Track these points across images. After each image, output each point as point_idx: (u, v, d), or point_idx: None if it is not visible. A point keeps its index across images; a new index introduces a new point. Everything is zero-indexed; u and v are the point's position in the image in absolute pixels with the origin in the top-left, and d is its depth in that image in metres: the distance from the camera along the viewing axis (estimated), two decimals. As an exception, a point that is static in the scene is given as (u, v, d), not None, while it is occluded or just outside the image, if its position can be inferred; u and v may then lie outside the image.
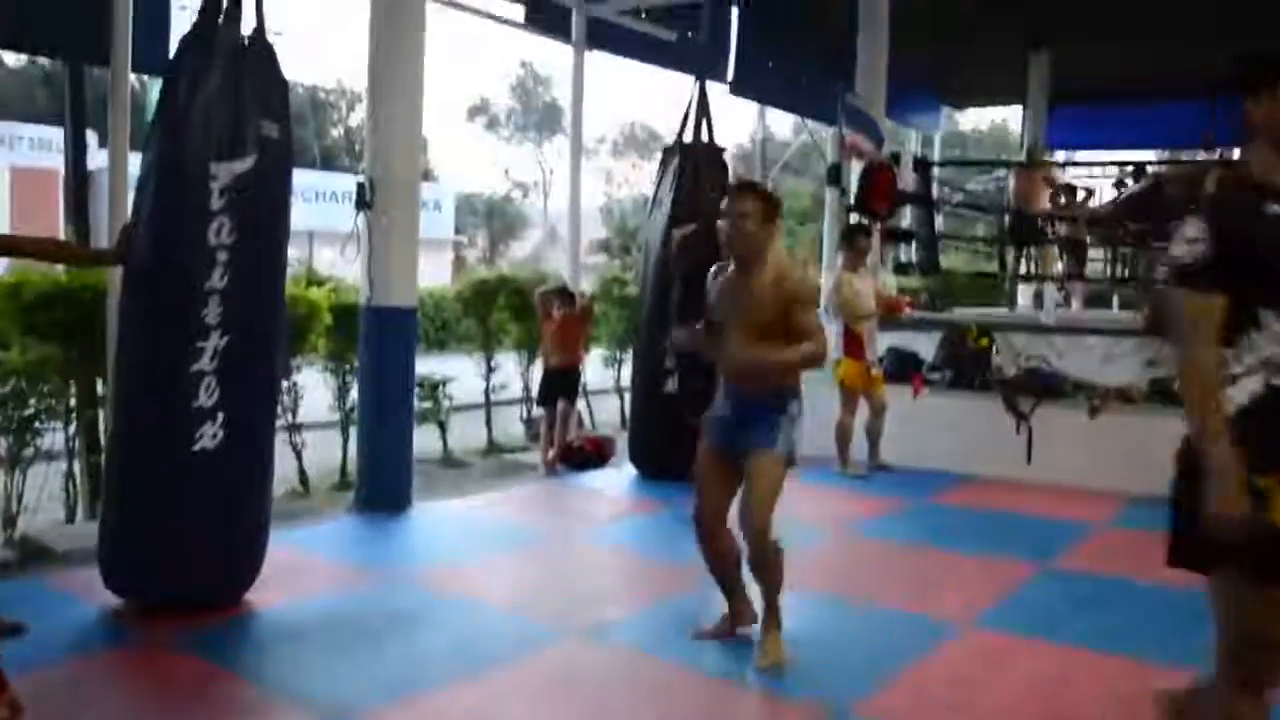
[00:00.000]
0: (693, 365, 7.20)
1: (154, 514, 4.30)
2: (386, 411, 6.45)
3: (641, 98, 60.10)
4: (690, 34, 9.57)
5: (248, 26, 4.49)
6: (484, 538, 6.02)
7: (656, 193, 7.66)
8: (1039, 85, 14.83)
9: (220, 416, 4.30)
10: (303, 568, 5.13)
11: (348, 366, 7.88)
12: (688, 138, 7.64)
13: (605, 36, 9.56)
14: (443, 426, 9.33)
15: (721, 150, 7.72)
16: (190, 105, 4.31)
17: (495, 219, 41.03)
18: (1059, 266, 11.13)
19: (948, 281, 13.53)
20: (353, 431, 7.68)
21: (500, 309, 10.19)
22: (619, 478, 7.80)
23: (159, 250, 4.29)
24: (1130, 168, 11.70)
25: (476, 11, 8.60)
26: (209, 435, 4.29)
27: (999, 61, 14.91)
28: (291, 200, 4.64)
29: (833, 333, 7.02)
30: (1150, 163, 11.11)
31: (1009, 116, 29.74)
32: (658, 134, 43.25)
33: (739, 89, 11.38)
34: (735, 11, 11.04)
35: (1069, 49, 14.22)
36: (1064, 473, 7.32)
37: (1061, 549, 5.79)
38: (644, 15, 9.54)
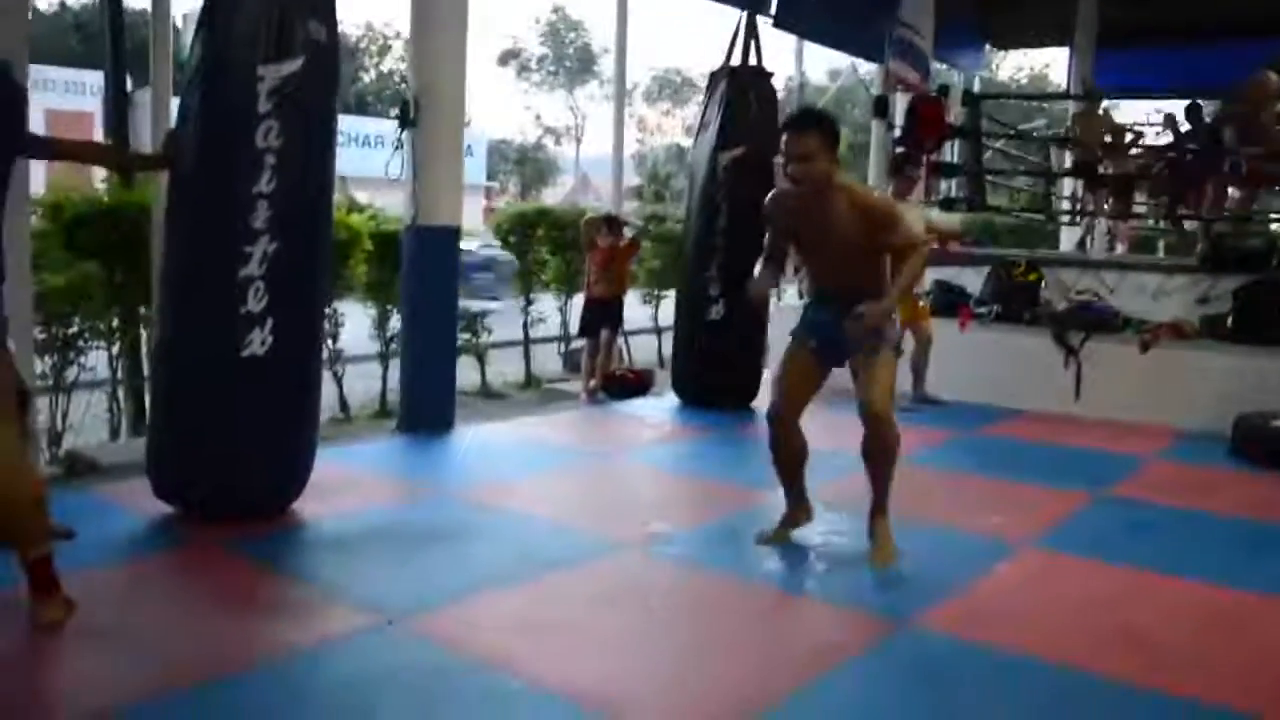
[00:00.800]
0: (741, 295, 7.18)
1: (202, 420, 4.26)
2: (430, 331, 6.40)
3: (675, 43, 59.28)
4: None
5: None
6: (530, 457, 5.99)
7: (704, 117, 7.52)
8: (1086, 25, 14.40)
9: (269, 322, 4.24)
10: (349, 483, 5.10)
11: (387, 297, 7.86)
12: (735, 62, 7.46)
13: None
14: (481, 359, 9.33)
15: (770, 75, 7.54)
16: (235, 7, 4.22)
17: (527, 165, 40.82)
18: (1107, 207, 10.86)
19: (992, 222, 13.32)
20: (393, 363, 7.69)
21: (539, 242, 10.13)
22: (662, 405, 7.74)
23: (206, 154, 4.22)
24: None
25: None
26: (258, 341, 4.24)
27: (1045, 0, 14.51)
28: (338, 105, 4.55)
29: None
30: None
31: (1050, 62, 29.11)
32: (691, 80, 42.80)
33: (782, 22, 11.11)
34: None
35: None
36: (1113, 408, 7.17)
37: (1114, 479, 5.68)
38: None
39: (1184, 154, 10.00)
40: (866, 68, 13.37)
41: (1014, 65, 39.44)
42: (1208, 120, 10.11)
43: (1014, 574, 4.11)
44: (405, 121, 6.17)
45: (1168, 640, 3.41)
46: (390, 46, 36.09)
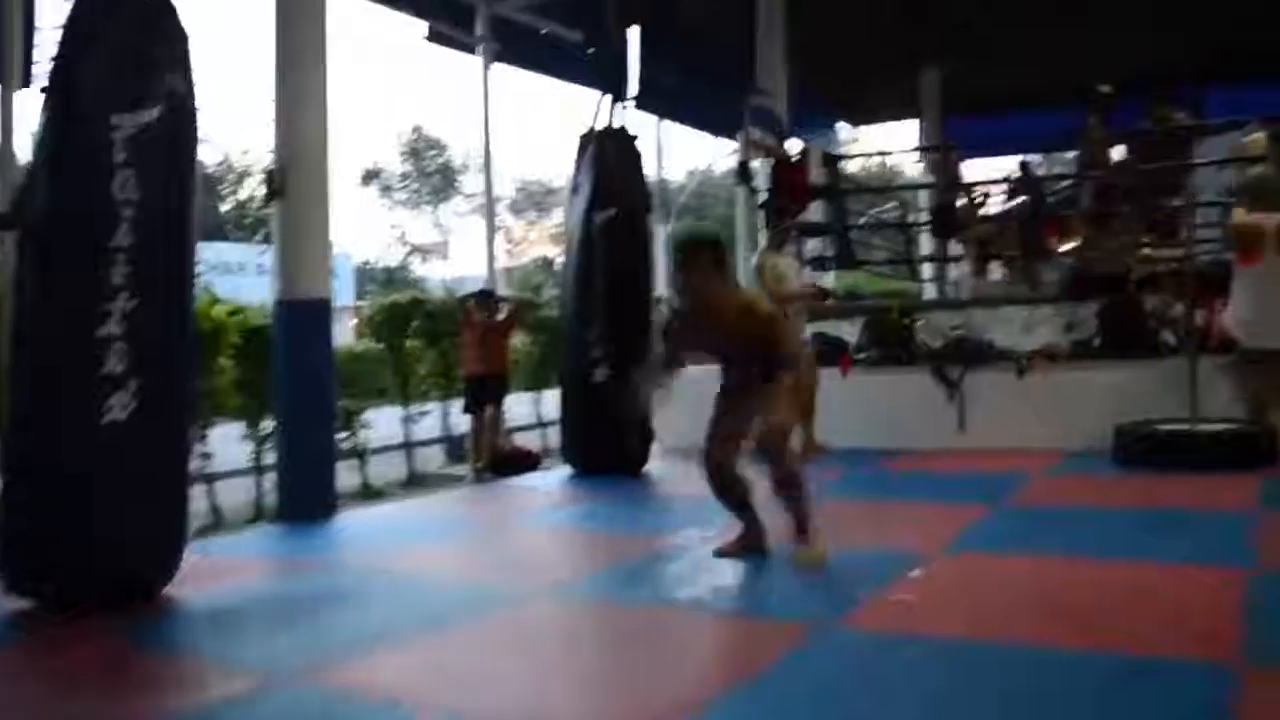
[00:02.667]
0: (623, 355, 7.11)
1: (60, 496, 3.92)
2: (306, 408, 6.10)
3: (537, 155, 60.36)
4: (593, 45, 9.52)
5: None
6: (421, 529, 5.73)
7: (575, 181, 7.53)
8: (931, 98, 15.24)
9: (131, 385, 3.96)
10: (226, 568, 4.76)
11: (259, 399, 7.48)
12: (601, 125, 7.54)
13: (510, 49, 9.43)
14: (361, 458, 8.96)
15: (635, 136, 7.64)
16: (89, 55, 4.04)
17: (394, 284, 40.44)
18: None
19: (857, 287, 13.72)
20: (266, 475, 7.31)
21: (414, 335, 9.90)
22: (553, 477, 7.55)
23: (58, 206, 3.97)
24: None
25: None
26: (119, 406, 3.95)
27: (893, 77, 15.33)
28: (199, 155, 4.37)
29: None
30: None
31: (895, 161, 30.54)
32: (554, 190, 43.41)
33: (643, 104, 11.38)
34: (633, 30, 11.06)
35: (959, 61, 14.70)
36: (997, 437, 7.29)
37: (1009, 493, 5.74)
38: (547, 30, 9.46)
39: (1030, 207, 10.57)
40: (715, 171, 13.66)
41: (861, 160, 41.34)
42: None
43: (930, 576, 4.04)
44: (272, 192, 5.99)
45: (1087, 608, 3.40)
46: (249, 174, 35.67)
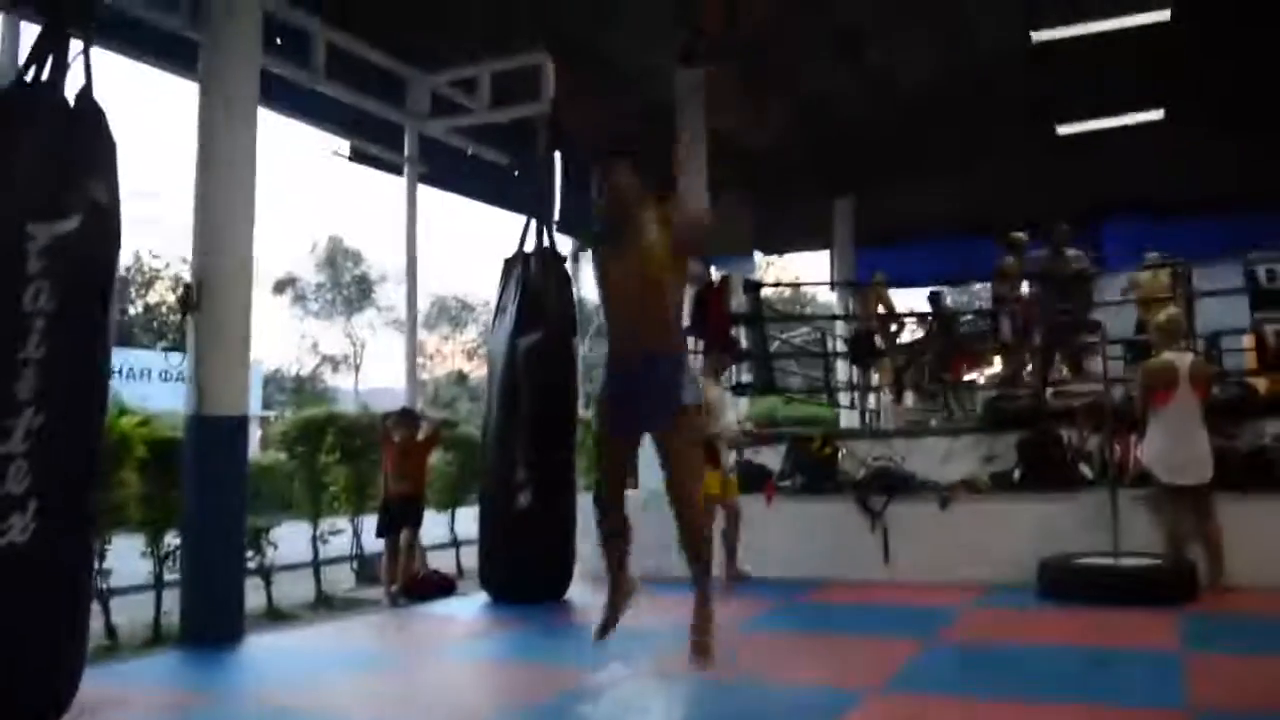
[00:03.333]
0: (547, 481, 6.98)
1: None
2: (215, 530, 5.82)
3: (453, 269, 60.43)
4: (519, 165, 9.63)
5: (75, 86, 4.16)
6: (332, 660, 5.42)
7: (500, 302, 7.45)
8: (844, 228, 15.73)
9: (31, 506, 3.72)
10: (125, 699, 4.43)
11: (164, 514, 7.12)
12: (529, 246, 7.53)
13: (436, 171, 9.44)
14: (267, 579, 8.53)
15: (564, 258, 7.63)
16: (6, 162, 3.90)
17: (304, 394, 39.66)
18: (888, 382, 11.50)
19: (775, 413, 13.80)
20: (167, 591, 6.93)
21: (327, 450, 9.60)
22: (470, 604, 7.26)
23: (-37, 316, 3.77)
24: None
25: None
26: (18, 528, 3.69)
27: (806, 208, 15.84)
28: (118, 264, 4.21)
29: None
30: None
31: (805, 290, 31.29)
32: (470, 305, 43.44)
33: (565, 228, 11.48)
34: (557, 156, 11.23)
35: (870, 194, 15.28)
36: (921, 569, 7.27)
37: (940, 627, 5.68)
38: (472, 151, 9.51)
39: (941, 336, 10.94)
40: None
41: (773, 290, 42.30)
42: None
43: (873, 715, 3.93)
44: (187, 306, 5.80)
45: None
46: (159, 277, 34.95)
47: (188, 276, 6.06)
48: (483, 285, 52.13)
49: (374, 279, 41.04)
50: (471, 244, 55.64)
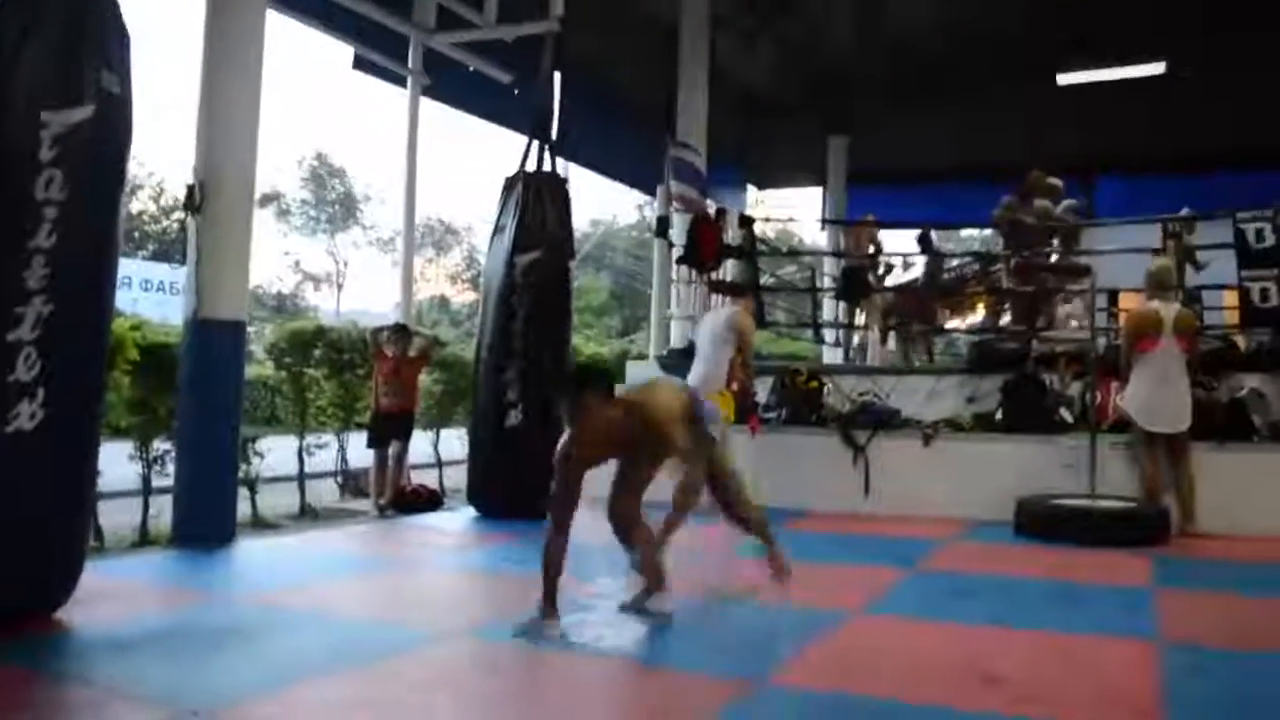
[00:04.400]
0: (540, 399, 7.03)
1: (-45, 507, 3.67)
2: (211, 434, 5.87)
3: (438, 193, 59.78)
4: (520, 84, 9.54)
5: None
6: (325, 564, 5.53)
7: (498, 222, 7.44)
8: (837, 167, 15.70)
9: (40, 394, 3.75)
10: (119, 591, 4.52)
11: (155, 419, 7.14)
12: (529, 167, 7.50)
13: (439, 85, 9.34)
14: (252, 488, 8.60)
15: (564, 180, 7.62)
16: (19, 48, 3.84)
17: (285, 313, 39.43)
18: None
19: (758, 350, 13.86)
20: (154, 494, 6.99)
21: (316, 364, 9.61)
22: (458, 518, 7.38)
23: (-27, 201, 3.76)
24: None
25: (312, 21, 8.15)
26: (26, 415, 3.73)
27: (800, 144, 15.80)
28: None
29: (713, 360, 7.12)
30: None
31: (797, 228, 31.25)
32: (454, 229, 43.11)
33: (560, 150, 11.41)
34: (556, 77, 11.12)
35: (865, 133, 15.24)
36: (901, 503, 7.42)
37: (920, 558, 5.82)
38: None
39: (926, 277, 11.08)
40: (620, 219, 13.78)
41: (763, 223, 42.15)
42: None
43: (855, 635, 4.07)
44: (190, 206, 5.78)
45: (1019, 678, 3.43)
46: (140, 187, 34.43)
47: (170, 183, 6.02)
48: (466, 210, 51.84)
49: (359, 197, 40.65)
50: (455, 168, 54.97)
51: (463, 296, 43.29)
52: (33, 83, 3.83)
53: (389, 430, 7.83)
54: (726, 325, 7.24)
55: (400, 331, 8.12)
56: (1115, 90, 13.09)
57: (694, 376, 7.12)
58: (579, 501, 4.11)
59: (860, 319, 11.37)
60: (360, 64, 8.98)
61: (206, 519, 5.85)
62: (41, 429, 3.74)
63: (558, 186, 7.48)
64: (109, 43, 4.09)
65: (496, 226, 7.48)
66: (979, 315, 12.28)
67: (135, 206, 35.00)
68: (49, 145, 3.81)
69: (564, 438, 4.06)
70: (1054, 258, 10.21)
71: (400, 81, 9.00)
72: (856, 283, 10.57)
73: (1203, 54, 12.52)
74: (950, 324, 12.28)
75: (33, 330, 3.74)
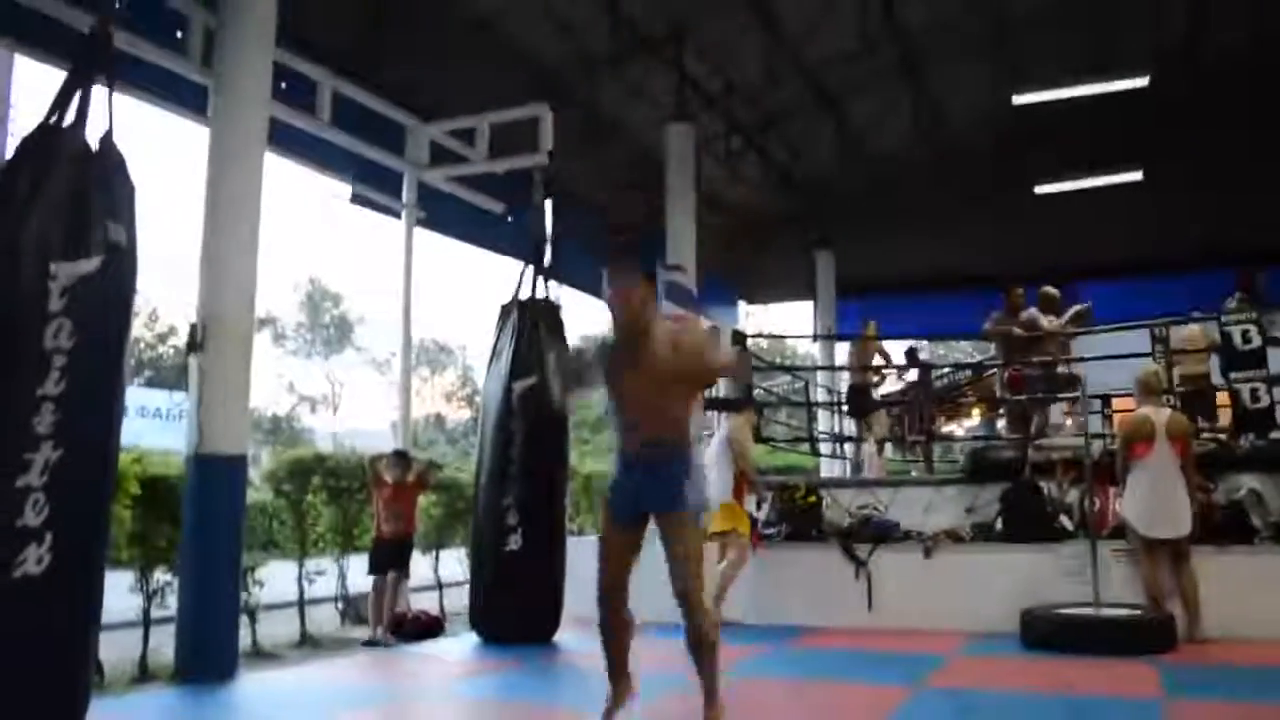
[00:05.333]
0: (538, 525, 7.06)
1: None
2: (213, 566, 5.87)
3: (433, 313, 60.43)
4: (513, 214, 9.81)
5: (97, 129, 4.29)
6: (328, 699, 5.46)
7: (495, 347, 7.57)
8: (826, 280, 16.00)
9: (48, 539, 3.79)
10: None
11: (156, 552, 7.15)
12: (524, 294, 7.67)
13: (433, 216, 9.59)
14: (252, 617, 8.53)
15: (559, 307, 7.77)
16: (30, 203, 4.01)
17: (281, 435, 39.43)
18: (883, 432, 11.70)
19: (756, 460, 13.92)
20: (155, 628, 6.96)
21: (315, 490, 9.63)
22: (461, 644, 7.31)
23: (-15, 351, 3.86)
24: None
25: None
26: (33, 560, 3.76)
27: (788, 259, 16.15)
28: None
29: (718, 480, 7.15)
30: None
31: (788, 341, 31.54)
32: (448, 348, 43.46)
33: (551, 274, 11.65)
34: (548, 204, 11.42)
35: (850, 247, 15.59)
36: (905, 616, 7.38)
37: (928, 674, 5.77)
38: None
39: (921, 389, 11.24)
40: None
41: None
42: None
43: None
44: (192, 346, 5.89)
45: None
46: (136, 313, 34.86)
47: (167, 314, 6.15)
48: (460, 329, 52.35)
49: (353, 320, 41.08)
50: (448, 289, 55.74)
51: (458, 414, 43.39)
52: (42, 235, 3.98)
53: (388, 557, 7.81)
54: (724, 441, 7.37)
55: (399, 458, 8.17)
56: (1093, 197, 13.46)
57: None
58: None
59: (866, 431, 11.46)
60: (357, 199, 9.23)
61: (208, 653, 5.81)
62: (48, 574, 3.77)
63: (553, 313, 7.63)
64: (116, 195, 4.25)
65: (494, 352, 7.61)
66: (975, 420, 12.39)
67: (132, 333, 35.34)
68: (58, 295, 3.94)
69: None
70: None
71: (396, 214, 9.24)
72: (864, 400, 10.76)
73: (1179, 159, 12.94)
74: (946, 429, 12.41)
75: (41, 476, 3.81)
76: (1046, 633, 6.39)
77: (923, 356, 13.95)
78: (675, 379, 3.93)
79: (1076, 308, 10.10)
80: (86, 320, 3.99)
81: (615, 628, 4.07)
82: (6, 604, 3.69)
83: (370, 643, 7.67)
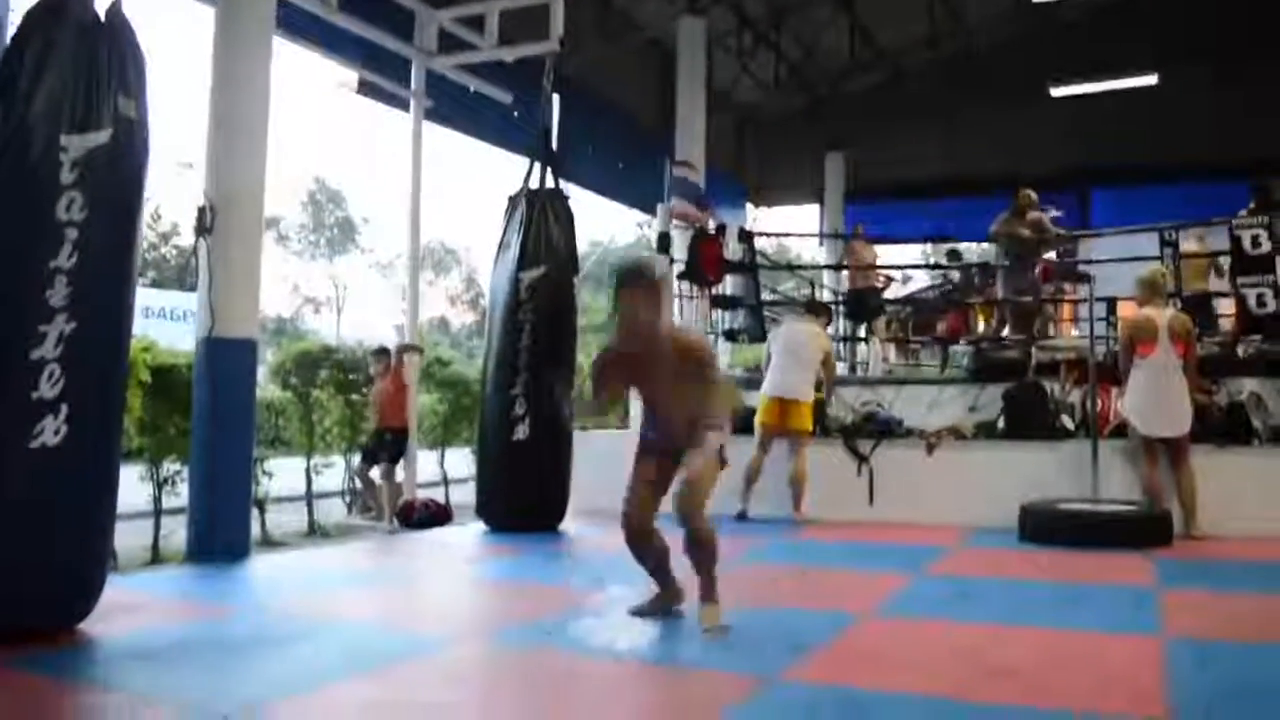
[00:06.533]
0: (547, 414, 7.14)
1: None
2: (224, 448, 5.94)
3: (437, 215, 60.07)
4: (521, 104, 9.68)
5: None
6: (341, 577, 5.60)
7: (503, 239, 7.53)
8: (834, 183, 15.86)
9: (64, 410, 3.83)
10: (140, 604, 4.59)
11: (163, 442, 7.24)
12: (533, 184, 7.61)
13: (441, 108, 9.46)
14: (261, 508, 8.68)
15: (566, 196, 7.72)
16: (38, 76, 3.95)
17: (285, 336, 39.56)
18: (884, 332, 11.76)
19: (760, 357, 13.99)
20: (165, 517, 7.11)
21: (322, 384, 9.71)
22: (468, 532, 7.44)
23: (-1, 223, 3.85)
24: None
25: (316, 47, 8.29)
26: (50, 430, 3.81)
27: (797, 161, 15.99)
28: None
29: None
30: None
31: (795, 245, 31.41)
32: (454, 250, 43.33)
33: (562, 169, 11.55)
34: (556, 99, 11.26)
35: (861, 149, 15.43)
36: (906, 511, 7.48)
37: (927, 563, 5.89)
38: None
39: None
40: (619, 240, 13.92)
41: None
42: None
43: (866, 635, 4.15)
44: (201, 228, 5.88)
45: (1027, 671, 3.50)
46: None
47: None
48: (464, 232, 52.14)
49: (356, 221, 40.89)
50: (453, 192, 55.23)
51: (462, 318, 43.47)
52: (51, 108, 3.92)
53: (374, 448, 8.02)
54: (806, 343, 7.73)
55: (379, 354, 8.30)
56: (1108, 102, 13.27)
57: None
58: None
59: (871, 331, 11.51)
60: (364, 87, 9.10)
61: (221, 535, 5.92)
62: (66, 444, 3.82)
63: (561, 203, 7.58)
64: (125, 66, 4.18)
65: (501, 243, 7.57)
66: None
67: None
68: (69, 168, 3.91)
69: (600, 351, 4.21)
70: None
71: (403, 105, 9.12)
72: (865, 304, 10.79)
73: (1194, 68, 12.72)
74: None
75: (55, 348, 3.82)
76: (1044, 526, 6.49)
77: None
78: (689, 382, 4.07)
79: (1054, 213, 10.10)
80: (98, 193, 3.97)
81: (644, 549, 4.24)
82: (25, 475, 3.74)
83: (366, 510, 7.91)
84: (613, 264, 4.22)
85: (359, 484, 8.30)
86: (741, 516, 7.45)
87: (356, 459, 9.25)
